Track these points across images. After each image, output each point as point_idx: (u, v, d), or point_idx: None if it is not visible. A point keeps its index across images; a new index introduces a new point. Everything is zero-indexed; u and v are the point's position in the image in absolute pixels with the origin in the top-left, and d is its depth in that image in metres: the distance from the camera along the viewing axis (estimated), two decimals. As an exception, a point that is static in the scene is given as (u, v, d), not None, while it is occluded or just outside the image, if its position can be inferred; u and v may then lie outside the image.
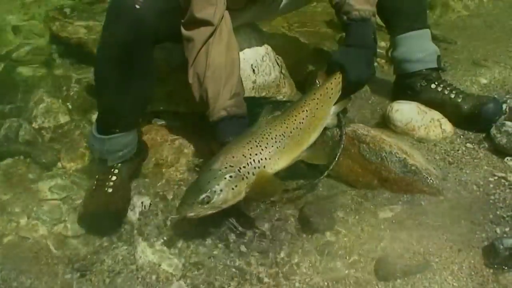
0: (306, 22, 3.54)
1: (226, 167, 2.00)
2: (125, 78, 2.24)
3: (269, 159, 2.09)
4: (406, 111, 2.46)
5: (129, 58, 2.21)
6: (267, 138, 2.12)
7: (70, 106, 3.00)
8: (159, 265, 2.09)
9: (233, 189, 1.99)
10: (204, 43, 2.22)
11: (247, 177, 2.02)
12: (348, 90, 2.37)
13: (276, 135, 2.13)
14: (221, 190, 1.96)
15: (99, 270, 2.11)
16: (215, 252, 2.11)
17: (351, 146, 2.32)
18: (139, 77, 2.26)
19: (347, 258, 2.02)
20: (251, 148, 2.07)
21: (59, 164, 2.65)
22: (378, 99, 2.78)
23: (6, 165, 2.68)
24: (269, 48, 2.78)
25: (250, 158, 2.05)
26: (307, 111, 2.24)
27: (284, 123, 2.19)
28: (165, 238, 2.19)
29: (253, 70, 2.67)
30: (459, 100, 2.49)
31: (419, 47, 2.57)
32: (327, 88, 2.32)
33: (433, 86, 2.55)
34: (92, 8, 3.71)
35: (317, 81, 2.38)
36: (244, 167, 2.02)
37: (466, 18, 3.73)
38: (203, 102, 2.24)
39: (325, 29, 3.55)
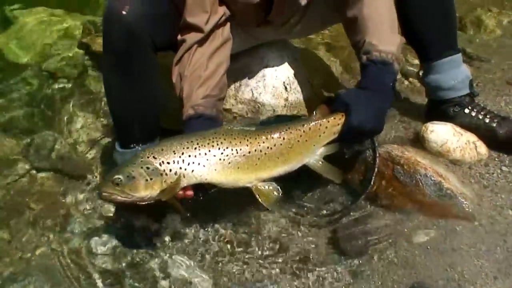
0: (338, 39, 3.52)
1: (148, 157, 1.94)
2: (127, 86, 2.28)
3: (203, 166, 1.97)
4: (441, 133, 2.43)
5: (128, 65, 2.24)
6: (213, 145, 1.99)
7: (102, 120, 3.02)
8: (190, 283, 2.08)
9: (146, 180, 1.91)
10: (192, 45, 2.22)
11: (166, 174, 1.93)
12: (346, 136, 2.13)
13: (226, 147, 2.00)
14: (133, 177, 1.90)
15: (129, 285, 2.12)
16: (246, 273, 2.10)
17: (385, 167, 2.28)
18: (142, 84, 2.29)
19: (380, 283, 2.00)
20: (187, 148, 1.97)
21: (92, 178, 2.67)
22: (412, 118, 2.74)
23: (40, 178, 2.70)
24: (301, 65, 2.79)
25: (179, 157, 1.95)
26: (283, 139, 2.07)
27: (247, 139, 2.04)
28: (196, 254, 2.19)
29: (285, 88, 2.67)
30: (494, 125, 2.46)
31: (450, 75, 2.51)
32: (320, 125, 2.12)
33: (466, 111, 2.51)
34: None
35: (314, 113, 2.18)
36: (167, 163, 1.93)
37: (500, 37, 3.69)
38: (180, 101, 2.22)
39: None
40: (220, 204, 2.38)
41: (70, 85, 3.34)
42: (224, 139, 2.01)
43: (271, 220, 2.32)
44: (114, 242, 2.30)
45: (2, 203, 2.56)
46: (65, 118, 3.06)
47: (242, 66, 2.72)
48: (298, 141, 2.09)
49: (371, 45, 2.14)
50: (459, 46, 2.60)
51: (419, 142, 2.49)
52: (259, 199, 2.02)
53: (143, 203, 1.97)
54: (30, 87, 3.40)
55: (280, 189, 2.04)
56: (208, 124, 2.14)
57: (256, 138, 2.04)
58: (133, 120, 2.33)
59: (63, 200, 2.55)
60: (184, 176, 1.95)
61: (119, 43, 2.21)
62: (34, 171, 2.75)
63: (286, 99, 2.67)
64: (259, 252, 2.16)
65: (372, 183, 2.25)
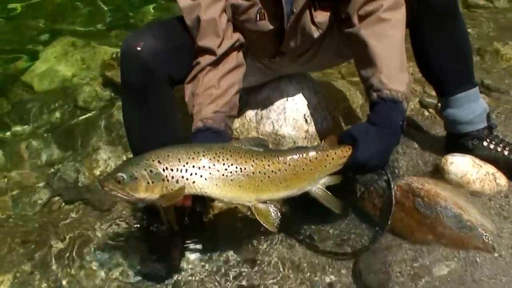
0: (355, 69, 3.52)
1: (153, 160, 1.94)
2: (146, 121, 2.33)
3: (205, 179, 1.96)
4: (461, 164, 2.45)
5: (145, 100, 2.29)
6: (218, 160, 1.99)
7: (125, 151, 3.04)
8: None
9: (148, 183, 1.91)
10: (205, 67, 2.27)
11: (168, 180, 1.93)
12: (349, 169, 2.15)
13: (230, 164, 1.99)
14: (135, 178, 1.90)
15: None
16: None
17: (405, 199, 2.30)
18: (160, 118, 2.34)
19: (403, 316, 2.02)
20: (193, 158, 1.96)
21: (116, 210, 2.68)
22: (432, 149, 2.75)
23: (65, 210, 2.73)
24: (321, 97, 2.82)
25: (183, 166, 1.95)
26: (289, 165, 2.08)
27: (253, 160, 2.04)
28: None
29: (306, 120, 2.71)
30: (513, 157, 2.49)
31: (468, 109, 2.52)
32: (327, 156, 2.13)
33: (485, 143, 2.53)
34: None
35: (322, 143, 2.19)
36: (171, 169, 1.93)
37: (517, 67, 3.70)
38: (191, 117, 2.25)
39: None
40: (236, 231, 2.44)
41: (94, 116, 3.39)
42: (230, 156, 2.01)
43: (290, 246, 2.35)
44: (137, 275, 2.32)
45: (27, 233, 2.61)
46: (89, 150, 3.11)
47: (263, 99, 2.78)
48: (303, 169, 2.10)
49: (381, 83, 2.16)
50: (477, 78, 2.62)
51: (439, 173, 2.51)
52: (258, 219, 2.03)
53: (142, 203, 2.01)
54: (55, 118, 3.48)
55: (278, 211, 2.06)
56: (215, 137, 2.17)
57: (262, 160, 2.05)
58: None
59: (87, 231, 2.57)
60: (185, 186, 1.95)
61: (136, 80, 2.27)
62: (59, 202, 2.79)
63: (307, 131, 2.70)
64: (282, 284, 2.18)
65: (389, 222, 2.25)
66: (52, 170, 3.02)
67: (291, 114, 2.72)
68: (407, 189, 2.31)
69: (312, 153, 2.13)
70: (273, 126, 2.71)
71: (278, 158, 2.08)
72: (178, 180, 1.94)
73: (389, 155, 2.16)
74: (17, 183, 2.98)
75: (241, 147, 2.06)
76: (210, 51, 2.27)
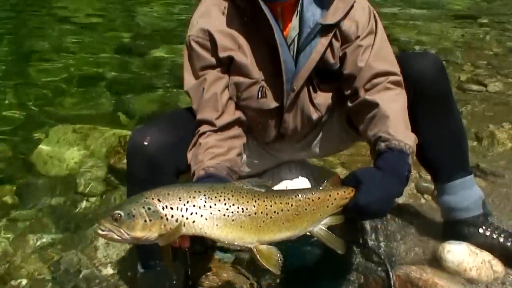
0: (354, 159, 3.59)
1: (153, 198, 1.87)
2: None
3: (205, 219, 1.89)
4: (457, 253, 2.47)
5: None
6: (219, 199, 1.92)
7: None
8: None
9: (145, 221, 1.83)
10: (206, 132, 2.33)
11: (167, 219, 1.86)
12: (350, 211, 2.11)
13: (232, 204, 1.93)
14: (133, 216, 1.83)
15: None
16: None
17: (404, 289, 2.32)
18: None
19: None
20: (194, 197, 1.90)
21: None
22: (430, 236, 2.77)
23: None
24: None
25: (183, 205, 1.89)
26: (291, 205, 2.02)
27: (255, 200, 1.97)
28: None
29: (305, 208, 2.74)
30: (508, 244, 2.51)
31: (463, 196, 2.56)
32: (329, 196, 2.09)
33: (481, 230, 2.56)
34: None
35: (325, 182, 2.15)
36: (170, 208, 1.87)
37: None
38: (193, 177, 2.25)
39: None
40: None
41: (97, 203, 3.46)
42: (232, 196, 1.95)
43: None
44: None
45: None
46: (91, 238, 3.12)
47: (262, 187, 2.81)
48: (306, 209, 2.04)
49: (389, 135, 2.17)
50: (473, 161, 2.66)
51: (436, 261, 2.52)
52: (260, 260, 1.96)
53: (138, 243, 1.93)
54: (58, 205, 3.53)
55: (280, 253, 1.97)
56: (218, 181, 2.14)
57: (264, 200, 1.99)
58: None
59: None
60: (184, 225, 1.89)
61: (143, 173, 2.31)
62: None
63: (306, 220, 2.73)
64: None
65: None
66: (54, 255, 3.04)
67: (290, 203, 2.74)
68: (405, 279, 2.33)
69: (314, 194, 2.08)
70: (273, 214, 2.73)
71: (281, 198, 2.02)
72: (177, 219, 1.88)
73: (390, 204, 2.12)
74: (18, 267, 3.00)
75: (242, 187, 2.00)
76: (209, 122, 2.34)
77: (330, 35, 2.36)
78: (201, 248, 2.06)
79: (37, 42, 6.35)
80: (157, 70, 5.74)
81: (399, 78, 2.34)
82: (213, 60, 2.37)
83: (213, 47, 2.36)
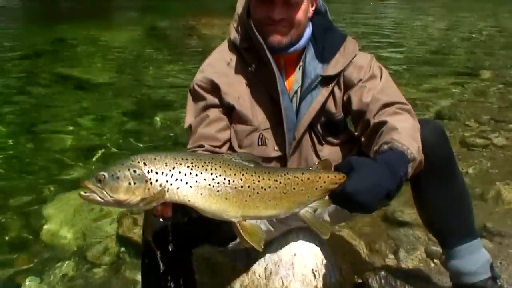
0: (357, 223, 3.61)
1: (139, 162, 1.86)
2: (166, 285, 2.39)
3: (190, 187, 1.87)
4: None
5: (168, 267, 2.36)
6: (206, 168, 1.91)
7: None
8: None
9: (129, 183, 1.82)
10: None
11: (151, 183, 1.84)
12: (335, 197, 2.07)
13: (218, 175, 1.91)
14: (117, 177, 1.82)
15: None
16: None
17: None
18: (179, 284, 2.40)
19: None
20: (180, 164, 1.89)
21: None
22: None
23: None
24: (328, 250, 2.88)
25: (169, 170, 1.87)
26: (280, 183, 1.99)
27: (242, 174, 1.95)
28: None
29: (314, 275, 2.76)
30: (518, 307, 2.52)
31: (470, 260, 2.56)
32: (319, 178, 2.05)
33: (489, 293, 2.56)
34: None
35: (316, 164, 2.13)
36: (156, 172, 1.85)
37: (518, 207, 3.77)
38: None
39: (380, 224, 3.66)
40: None
41: (106, 273, 3.46)
42: (219, 167, 1.93)
43: None
44: None
45: None
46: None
47: (271, 254, 2.83)
48: (294, 188, 2.02)
49: (393, 139, 2.17)
50: (479, 221, 2.68)
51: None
52: (243, 236, 1.94)
53: (119, 208, 1.90)
54: (67, 274, 3.53)
55: (264, 231, 1.96)
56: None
57: (252, 175, 1.97)
58: None
59: None
60: (167, 191, 1.87)
61: (159, 248, 2.33)
62: None
63: (316, 286, 2.74)
64: None
65: None
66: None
67: (299, 270, 2.76)
68: None
69: (304, 174, 2.05)
70: (282, 282, 2.74)
71: (269, 175, 2.00)
72: (161, 184, 1.86)
73: (378, 198, 2.02)
74: None
75: (231, 159, 1.99)
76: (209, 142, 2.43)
77: (331, 85, 2.47)
78: (182, 219, 1.99)
79: (45, 109, 6.43)
80: (165, 137, 5.79)
81: (408, 106, 2.39)
82: (216, 101, 2.48)
83: (217, 92, 2.48)
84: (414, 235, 3.43)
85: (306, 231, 2.88)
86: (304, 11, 2.43)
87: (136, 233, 3.54)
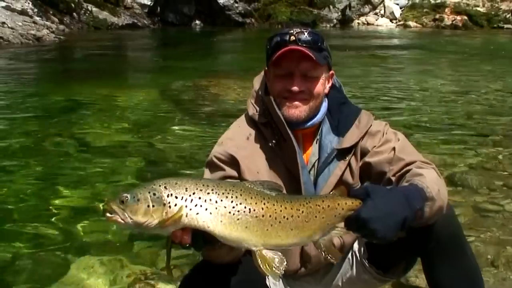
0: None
1: (160, 185, 1.89)
2: None
3: (210, 213, 1.88)
4: None
5: None
6: (227, 196, 1.92)
7: None
8: None
9: (148, 206, 1.85)
10: None
11: (169, 206, 1.87)
12: (350, 223, 2.11)
13: (239, 203, 1.92)
14: (138, 200, 1.85)
15: None
16: None
17: None
18: None
19: None
20: (200, 190, 1.90)
21: None
22: None
23: None
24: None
25: (188, 195, 1.89)
26: (302, 212, 2.01)
27: (264, 202, 1.96)
28: None
29: None
30: None
31: None
32: (338, 204, 2.08)
33: None
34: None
35: (333, 192, 2.15)
36: (175, 196, 1.88)
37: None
38: None
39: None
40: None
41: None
42: (240, 195, 1.96)
43: None
44: None
45: None
46: None
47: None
48: (316, 216, 2.04)
49: (414, 179, 2.23)
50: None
51: None
52: (261, 266, 1.92)
53: (140, 231, 1.90)
54: None
55: (285, 261, 1.93)
56: None
57: (274, 204, 1.99)
58: None
59: None
60: (186, 215, 1.88)
61: None
62: None
63: None
64: None
65: None
66: None
67: None
68: None
69: (324, 201, 2.07)
70: None
71: (291, 204, 2.00)
72: (180, 208, 1.88)
73: (393, 226, 2.05)
74: None
75: (252, 188, 2.00)
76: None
77: (348, 157, 2.51)
78: (202, 246, 2.03)
79: (57, 169, 6.46)
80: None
81: (432, 164, 2.42)
82: (234, 173, 2.51)
83: (236, 166, 2.50)
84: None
85: None
86: (322, 85, 2.51)
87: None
